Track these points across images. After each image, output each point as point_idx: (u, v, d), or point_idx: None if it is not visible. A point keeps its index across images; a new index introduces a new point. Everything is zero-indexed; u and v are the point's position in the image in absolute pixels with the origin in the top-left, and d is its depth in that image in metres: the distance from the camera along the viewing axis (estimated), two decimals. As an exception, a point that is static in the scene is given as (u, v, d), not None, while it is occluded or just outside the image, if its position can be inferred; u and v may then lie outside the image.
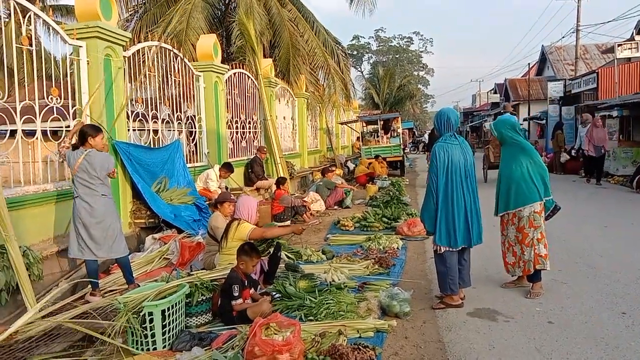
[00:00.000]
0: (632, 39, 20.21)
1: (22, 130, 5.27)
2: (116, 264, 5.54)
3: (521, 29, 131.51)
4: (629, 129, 16.45)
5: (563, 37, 43.59)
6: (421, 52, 64.77)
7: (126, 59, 6.93)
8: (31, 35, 5.49)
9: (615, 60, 19.18)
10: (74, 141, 5.14)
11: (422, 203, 4.80)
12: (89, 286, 5.05)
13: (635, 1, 59.79)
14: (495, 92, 44.03)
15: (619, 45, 19.20)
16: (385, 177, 15.05)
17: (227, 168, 8.90)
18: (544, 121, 25.06)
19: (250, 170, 10.98)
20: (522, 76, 38.72)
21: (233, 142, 10.99)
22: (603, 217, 8.95)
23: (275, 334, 3.44)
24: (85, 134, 4.99)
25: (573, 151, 15.50)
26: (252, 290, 4.43)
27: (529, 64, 36.89)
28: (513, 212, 4.89)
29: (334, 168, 13.38)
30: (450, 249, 4.54)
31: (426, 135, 26.45)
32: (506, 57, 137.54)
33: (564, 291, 4.98)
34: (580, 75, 22.49)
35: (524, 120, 31.68)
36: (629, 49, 18.96)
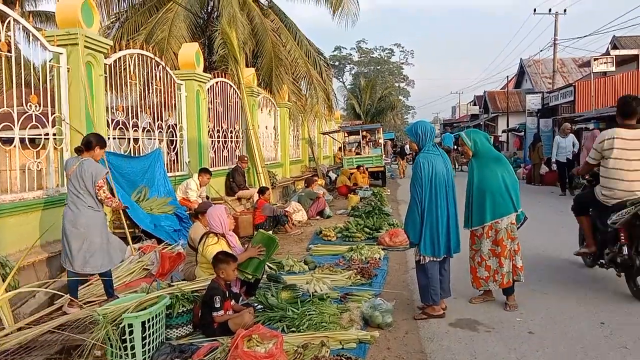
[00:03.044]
0: (607, 53, 20.72)
1: (0, 137, 5.17)
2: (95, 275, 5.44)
3: (500, 42, 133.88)
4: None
5: (541, 51, 44.08)
6: (402, 63, 65.56)
7: (107, 66, 6.86)
8: (10, 41, 5.40)
9: (592, 74, 19.63)
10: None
11: (405, 214, 4.81)
12: (67, 296, 4.95)
13: (610, 17, 61.39)
14: (474, 104, 44.71)
15: (595, 60, 19.64)
16: (367, 187, 15.10)
17: (205, 172, 8.82)
18: (522, 133, 25.47)
19: (231, 180, 10.92)
20: (501, 89, 39.37)
21: (215, 152, 10.93)
22: (580, 228, 9.07)
23: (258, 345, 3.42)
24: (91, 143, 4.93)
25: (553, 165, 14.68)
26: (233, 302, 4.38)
27: (507, 76, 37.57)
28: (489, 224, 4.81)
29: (316, 178, 13.40)
30: (434, 259, 4.57)
31: (407, 147, 27.05)
32: (485, 69, 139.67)
33: (543, 301, 5.03)
34: (558, 89, 22.95)
35: (503, 132, 32.16)
36: (604, 63, 19.41)
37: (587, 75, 21.78)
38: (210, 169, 9.52)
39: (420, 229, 4.54)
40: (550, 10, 25.42)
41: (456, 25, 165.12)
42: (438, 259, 4.58)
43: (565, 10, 25.11)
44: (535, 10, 25.59)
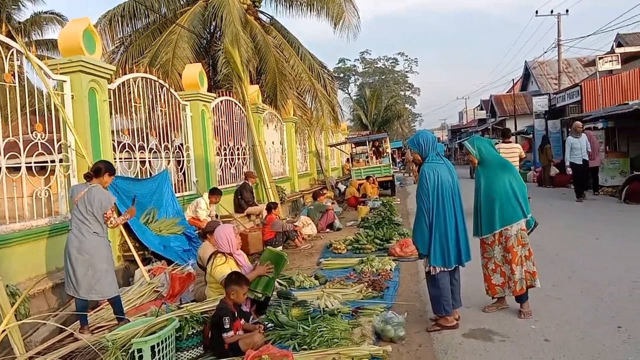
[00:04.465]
0: (612, 51, 20.58)
1: (7, 166, 5.21)
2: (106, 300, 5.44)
3: (504, 45, 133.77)
4: (615, 140, 16.62)
5: (545, 52, 44.11)
6: (406, 72, 65.69)
7: (111, 91, 6.92)
8: (14, 72, 5.46)
9: (597, 73, 19.50)
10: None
11: (413, 225, 4.76)
12: (78, 322, 4.94)
13: (613, 15, 61.18)
14: (481, 109, 44.55)
15: (600, 58, 19.52)
16: (376, 198, 15.04)
17: (216, 192, 8.83)
18: (530, 135, 25.32)
19: (240, 197, 10.91)
20: (507, 92, 39.21)
21: (222, 170, 10.96)
22: (594, 229, 8.95)
23: (268, 366, 3.37)
24: (100, 170, 4.94)
25: (568, 169, 13.23)
26: (243, 321, 4.34)
27: (513, 79, 37.42)
28: (499, 231, 4.77)
29: (324, 191, 13.36)
30: (445, 269, 4.51)
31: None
32: (491, 73, 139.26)
33: (558, 307, 4.95)
34: (564, 89, 22.80)
35: (511, 134, 31.87)
36: (609, 61, 19.28)
37: (593, 75, 21.59)
38: (219, 187, 9.54)
39: (429, 240, 4.48)
40: (552, 11, 25.42)
41: (458, 31, 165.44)
42: (449, 269, 4.53)
43: (567, 11, 25.13)
44: (537, 12, 25.59)
